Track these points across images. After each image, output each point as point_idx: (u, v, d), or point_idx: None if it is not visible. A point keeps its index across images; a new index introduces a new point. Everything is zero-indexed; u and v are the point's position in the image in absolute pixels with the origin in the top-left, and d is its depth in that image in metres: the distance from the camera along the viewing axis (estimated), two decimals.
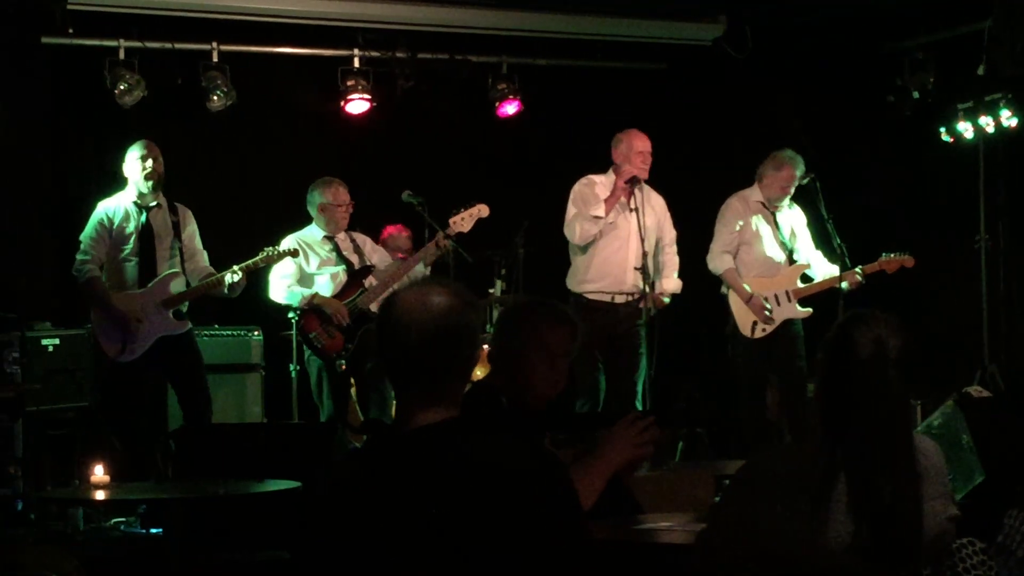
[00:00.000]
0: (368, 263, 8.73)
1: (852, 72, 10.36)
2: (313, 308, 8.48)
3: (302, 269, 8.59)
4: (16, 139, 9.16)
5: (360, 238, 8.90)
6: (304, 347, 8.58)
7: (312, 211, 8.74)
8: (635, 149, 8.43)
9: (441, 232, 8.54)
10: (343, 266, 8.67)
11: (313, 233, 8.74)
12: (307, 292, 8.51)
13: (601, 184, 8.51)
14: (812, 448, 3.40)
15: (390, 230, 9.64)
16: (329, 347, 8.47)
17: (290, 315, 8.58)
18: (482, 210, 8.63)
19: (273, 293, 8.59)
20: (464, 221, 8.57)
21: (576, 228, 8.40)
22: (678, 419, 9.35)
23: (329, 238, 8.72)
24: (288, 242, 8.61)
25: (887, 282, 8.74)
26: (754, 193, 8.93)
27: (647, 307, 8.32)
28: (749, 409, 8.90)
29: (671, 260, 8.65)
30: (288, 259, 8.42)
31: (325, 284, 8.61)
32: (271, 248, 8.29)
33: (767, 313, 8.69)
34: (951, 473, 4.07)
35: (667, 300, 8.57)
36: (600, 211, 8.35)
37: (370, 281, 8.63)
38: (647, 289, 8.27)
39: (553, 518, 2.85)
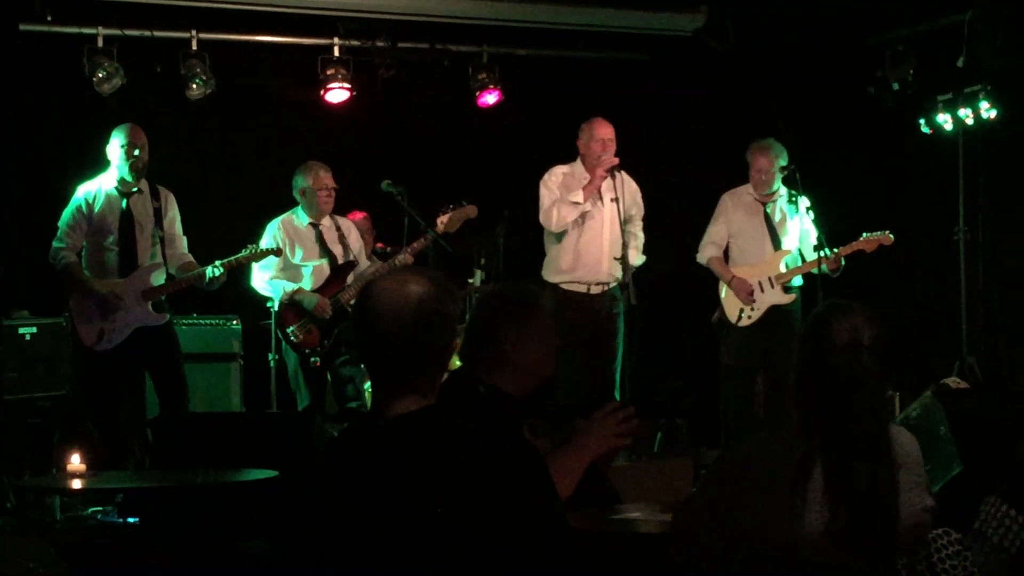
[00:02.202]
0: (352, 257, 8.71)
1: (833, 64, 10.35)
2: (293, 303, 8.48)
3: (286, 258, 8.58)
4: None
5: (345, 225, 8.88)
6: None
7: (296, 195, 8.72)
8: (594, 137, 8.43)
9: (429, 231, 8.55)
10: (326, 259, 8.66)
11: (299, 218, 8.72)
12: (289, 287, 8.50)
13: (570, 174, 8.51)
14: (789, 437, 3.42)
15: (352, 217, 9.57)
16: (305, 342, 8.48)
17: (269, 304, 8.58)
18: (470, 212, 8.64)
19: (255, 282, 8.59)
20: (452, 221, 8.58)
21: (553, 214, 8.38)
22: (657, 410, 9.36)
23: (314, 225, 8.70)
24: (273, 230, 8.60)
25: (866, 273, 8.76)
26: (746, 188, 8.97)
27: (628, 298, 8.30)
28: (734, 399, 8.91)
29: (636, 236, 8.59)
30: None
31: (308, 276, 8.60)
32: (253, 246, 8.26)
33: (750, 294, 8.72)
34: (929, 464, 4.09)
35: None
36: (579, 197, 8.34)
37: (351, 277, 8.62)
38: (628, 279, 8.24)
39: (530, 506, 2.85)
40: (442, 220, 8.58)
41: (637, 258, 8.57)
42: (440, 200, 8.81)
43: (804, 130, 9.89)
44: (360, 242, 8.93)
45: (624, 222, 8.25)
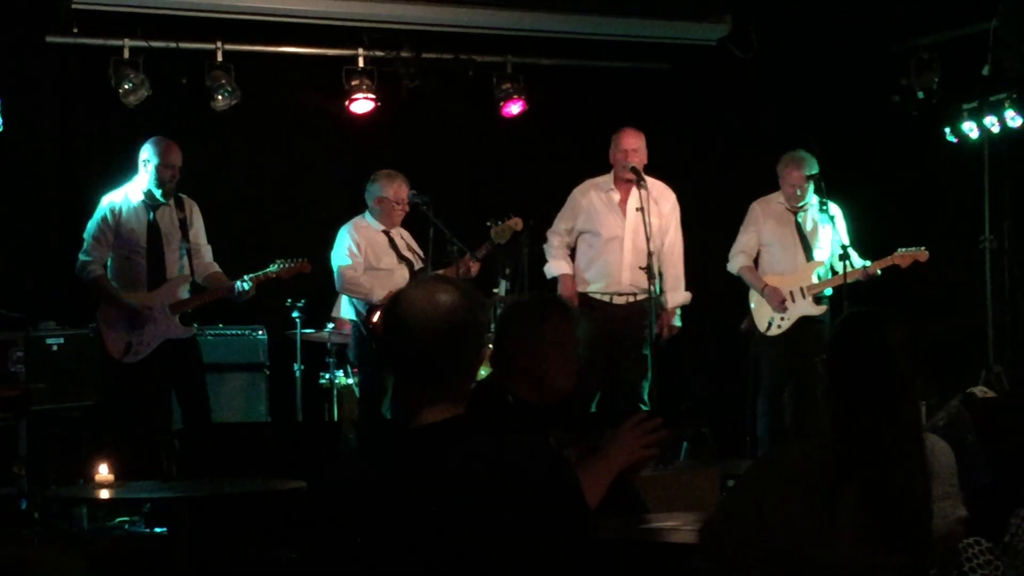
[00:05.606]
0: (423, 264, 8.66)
1: (857, 72, 10.34)
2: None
3: (368, 262, 8.52)
4: (22, 138, 9.16)
5: (408, 237, 8.83)
6: (358, 349, 8.53)
7: (369, 200, 8.67)
8: (619, 147, 8.47)
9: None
10: (404, 264, 8.61)
11: (371, 224, 8.67)
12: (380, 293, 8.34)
13: (598, 185, 8.54)
14: (821, 444, 3.40)
15: None
16: None
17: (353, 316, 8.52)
18: (517, 223, 8.64)
19: (344, 284, 8.50)
20: (504, 232, 8.57)
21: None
22: (683, 418, 9.35)
23: (385, 232, 8.65)
24: (349, 231, 8.53)
25: (893, 282, 8.74)
26: (777, 197, 8.97)
27: (660, 330, 8.35)
28: (763, 409, 8.90)
29: (677, 272, 8.62)
30: (353, 252, 8.39)
31: (388, 282, 8.51)
32: (282, 261, 8.19)
33: (782, 302, 8.72)
34: None
35: (678, 324, 8.59)
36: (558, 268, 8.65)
37: None
38: (653, 293, 8.25)
39: (559, 516, 2.85)
40: (494, 231, 8.57)
41: (682, 297, 8.62)
42: (466, 210, 8.80)
43: (828, 139, 9.87)
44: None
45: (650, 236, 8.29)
